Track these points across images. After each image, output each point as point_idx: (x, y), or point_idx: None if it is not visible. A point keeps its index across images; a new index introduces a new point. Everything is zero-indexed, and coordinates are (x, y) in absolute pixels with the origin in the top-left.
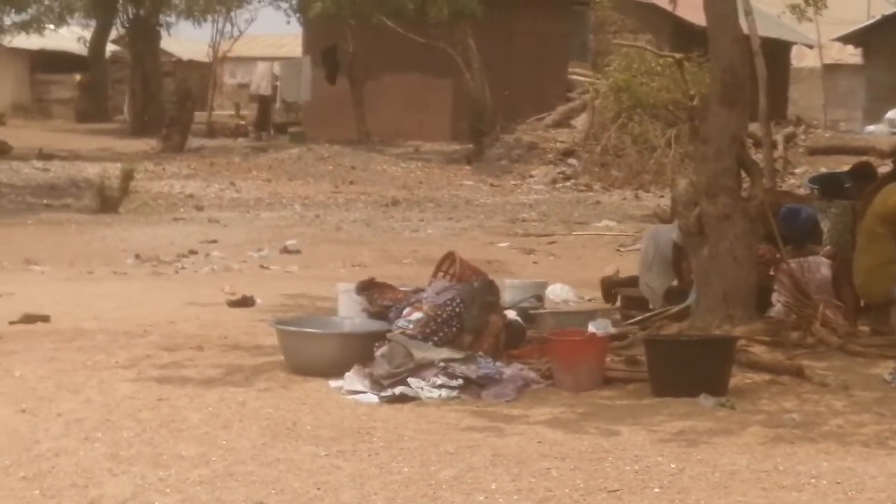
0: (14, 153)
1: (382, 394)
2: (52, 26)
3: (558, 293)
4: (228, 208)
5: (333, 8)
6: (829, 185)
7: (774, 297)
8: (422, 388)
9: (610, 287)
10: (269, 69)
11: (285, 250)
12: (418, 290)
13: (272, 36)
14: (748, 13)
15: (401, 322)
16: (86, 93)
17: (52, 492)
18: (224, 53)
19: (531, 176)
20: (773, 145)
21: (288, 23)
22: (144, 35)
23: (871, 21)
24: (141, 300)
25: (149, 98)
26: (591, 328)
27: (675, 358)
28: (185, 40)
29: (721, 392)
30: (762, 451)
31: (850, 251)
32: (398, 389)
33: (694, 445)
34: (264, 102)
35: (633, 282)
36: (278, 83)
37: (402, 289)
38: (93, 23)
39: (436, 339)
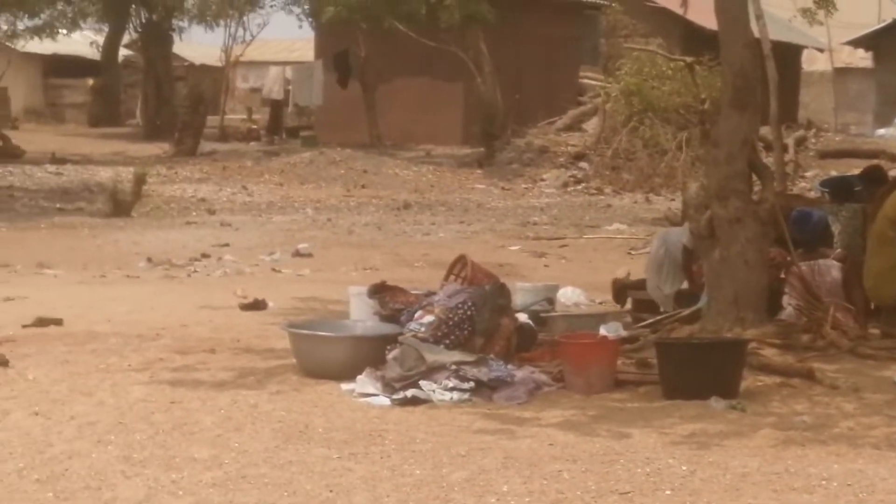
0: (27, 157)
1: (394, 396)
2: (65, 31)
3: (569, 296)
4: (240, 212)
5: (345, 12)
6: (839, 189)
7: (785, 299)
8: (433, 391)
9: (621, 290)
10: (282, 73)
11: (297, 254)
12: (430, 294)
13: (284, 40)
14: (759, 17)
15: (412, 325)
16: (98, 97)
17: (65, 494)
18: (236, 58)
19: (542, 179)
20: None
21: (300, 27)
22: (157, 39)
23: (882, 25)
24: (153, 304)
25: (161, 102)
26: (603, 331)
27: (687, 361)
28: (197, 45)
29: (732, 395)
30: (773, 454)
31: (861, 254)
32: (410, 392)
33: (705, 448)
34: (276, 106)
35: (643, 285)
36: (290, 87)
37: (413, 292)
38: (105, 27)
39: (447, 342)
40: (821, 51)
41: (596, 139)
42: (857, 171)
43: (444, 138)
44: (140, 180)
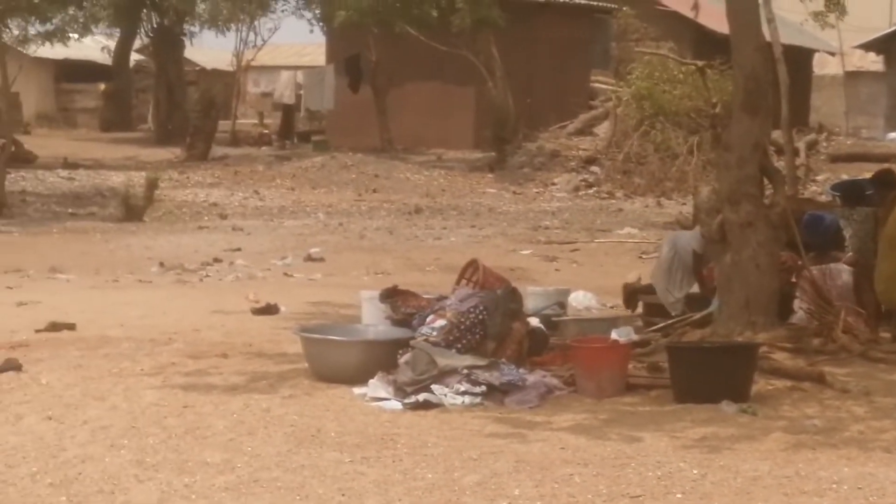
0: (39, 162)
1: (406, 400)
2: (76, 36)
3: (581, 300)
4: (252, 216)
5: (357, 16)
6: (851, 193)
7: (796, 303)
8: (445, 395)
9: (631, 295)
10: (293, 78)
11: (309, 258)
12: (441, 298)
13: (296, 45)
14: (770, 20)
15: (424, 329)
16: (110, 102)
17: (78, 498)
18: (248, 62)
19: (553, 183)
20: (796, 152)
21: (311, 32)
22: (168, 44)
23: (893, 28)
24: (166, 308)
25: (173, 107)
26: (614, 335)
27: (698, 364)
28: (208, 49)
29: (743, 398)
30: (784, 457)
31: (872, 258)
32: (422, 396)
33: (716, 451)
34: (288, 111)
35: (654, 289)
36: (302, 92)
37: (425, 296)
38: (117, 32)
39: (459, 346)
40: (832, 54)
41: (607, 143)
42: (868, 175)
43: (455, 142)
44: (152, 185)
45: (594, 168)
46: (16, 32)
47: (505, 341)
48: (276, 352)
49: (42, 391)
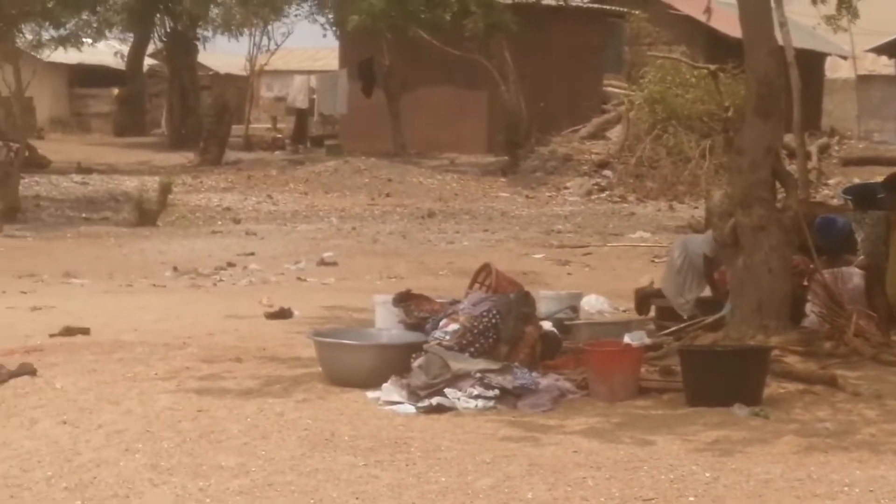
0: (53, 167)
1: (419, 404)
2: (89, 41)
3: (593, 304)
4: (266, 221)
5: (370, 21)
6: (862, 196)
7: (808, 307)
8: (458, 399)
9: (643, 299)
10: (306, 82)
11: (322, 262)
12: (455, 302)
13: (309, 49)
14: (783, 24)
15: (437, 333)
16: (123, 107)
17: (93, 502)
18: (261, 67)
19: (566, 187)
20: (808, 156)
21: (324, 36)
22: (182, 49)
23: None
24: (180, 312)
25: (186, 112)
26: (627, 339)
27: (710, 368)
28: (221, 54)
29: (755, 402)
30: (796, 460)
31: (884, 262)
32: (435, 400)
33: (728, 454)
34: (301, 115)
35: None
36: (315, 96)
37: (438, 300)
38: (130, 37)
39: (472, 350)
40: (844, 58)
41: (620, 147)
42: (880, 179)
43: (468, 147)
44: (165, 189)
45: (606, 172)
46: (29, 37)
47: (518, 345)
48: (289, 356)
49: (56, 395)
